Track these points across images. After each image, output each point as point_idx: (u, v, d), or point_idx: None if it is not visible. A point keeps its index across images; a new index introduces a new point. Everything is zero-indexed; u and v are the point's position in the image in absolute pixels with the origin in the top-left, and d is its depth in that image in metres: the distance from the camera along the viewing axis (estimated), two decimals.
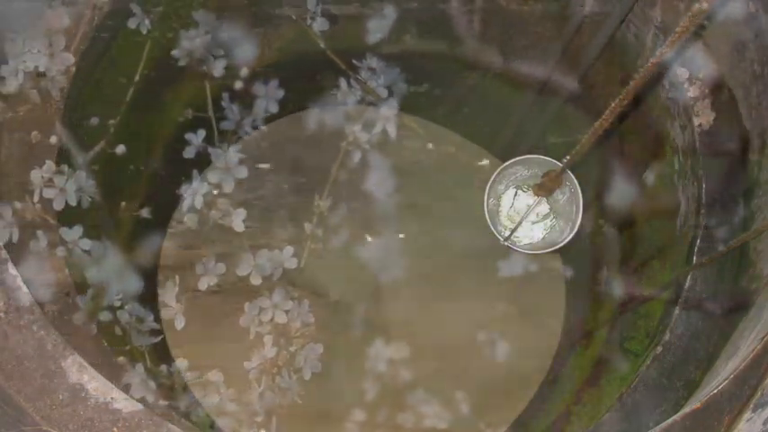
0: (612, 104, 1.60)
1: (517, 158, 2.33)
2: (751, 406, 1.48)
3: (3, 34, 2.01)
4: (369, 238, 2.67)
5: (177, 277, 2.19)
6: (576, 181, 2.26)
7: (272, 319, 2.16)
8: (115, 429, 1.45)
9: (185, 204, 2.23)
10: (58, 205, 2.07)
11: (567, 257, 2.89)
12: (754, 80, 1.86)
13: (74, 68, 2.10)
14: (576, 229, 2.26)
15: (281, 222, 2.73)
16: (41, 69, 2.05)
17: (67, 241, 2.08)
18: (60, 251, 2.08)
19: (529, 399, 2.74)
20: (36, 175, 2.06)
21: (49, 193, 2.06)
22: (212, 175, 2.23)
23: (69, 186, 2.08)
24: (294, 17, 2.28)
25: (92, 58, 2.19)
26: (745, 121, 1.92)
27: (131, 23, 2.22)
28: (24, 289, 1.55)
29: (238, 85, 2.42)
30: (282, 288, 2.21)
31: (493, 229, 2.31)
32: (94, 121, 2.32)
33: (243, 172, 2.26)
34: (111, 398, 1.48)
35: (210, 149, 2.25)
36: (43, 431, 1.44)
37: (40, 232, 2.08)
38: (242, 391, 2.17)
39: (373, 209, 2.67)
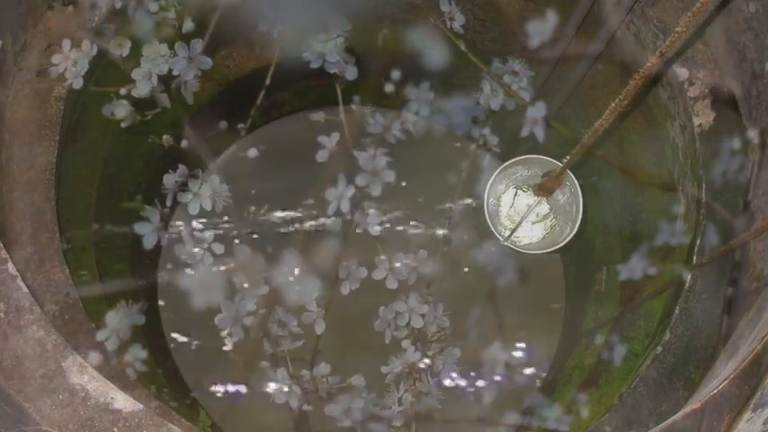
0: (612, 104, 1.60)
1: (517, 158, 2.34)
2: (751, 406, 1.48)
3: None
4: (487, 243, 2.65)
5: (318, 281, 2.14)
6: (576, 181, 2.26)
7: (408, 323, 2.12)
8: (115, 429, 1.46)
9: (330, 208, 2.14)
10: (193, 210, 2.03)
11: (567, 257, 2.89)
12: (754, 80, 1.86)
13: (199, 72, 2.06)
14: (575, 229, 2.26)
15: (413, 225, 2.73)
16: (176, 72, 1.98)
17: (209, 245, 2.05)
18: (198, 255, 2.05)
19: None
20: (169, 180, 2.02)
21: (183, 197, 2.02)
22: (360, 179, 2.15)
23: (204, 191, 2.03)
24: (432, 20, 2.23)
25: (222, 60, 2.16)
26: (745, 121, 1.92)
27: (262, 26, 2.18)
28: (24, 289, 1.55)
29: (389, 88, 2.38)
30: (418, 292, 2.16)
31: (493, 229, 2.31)
32: (223, 124, 2.30)
33: (391, 176, 2.17)
34: (111, 398, 1.48)
35: (356, 153, 2.18)
36: (43, 431, 1.44)
37: (185, 235, 2.04)
38: (381, 396, 2.13)
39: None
